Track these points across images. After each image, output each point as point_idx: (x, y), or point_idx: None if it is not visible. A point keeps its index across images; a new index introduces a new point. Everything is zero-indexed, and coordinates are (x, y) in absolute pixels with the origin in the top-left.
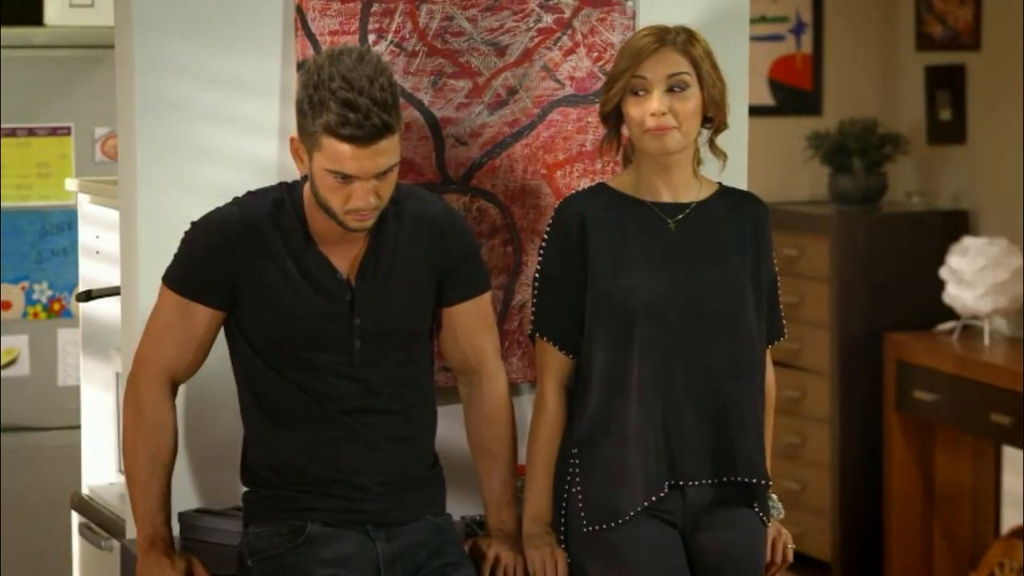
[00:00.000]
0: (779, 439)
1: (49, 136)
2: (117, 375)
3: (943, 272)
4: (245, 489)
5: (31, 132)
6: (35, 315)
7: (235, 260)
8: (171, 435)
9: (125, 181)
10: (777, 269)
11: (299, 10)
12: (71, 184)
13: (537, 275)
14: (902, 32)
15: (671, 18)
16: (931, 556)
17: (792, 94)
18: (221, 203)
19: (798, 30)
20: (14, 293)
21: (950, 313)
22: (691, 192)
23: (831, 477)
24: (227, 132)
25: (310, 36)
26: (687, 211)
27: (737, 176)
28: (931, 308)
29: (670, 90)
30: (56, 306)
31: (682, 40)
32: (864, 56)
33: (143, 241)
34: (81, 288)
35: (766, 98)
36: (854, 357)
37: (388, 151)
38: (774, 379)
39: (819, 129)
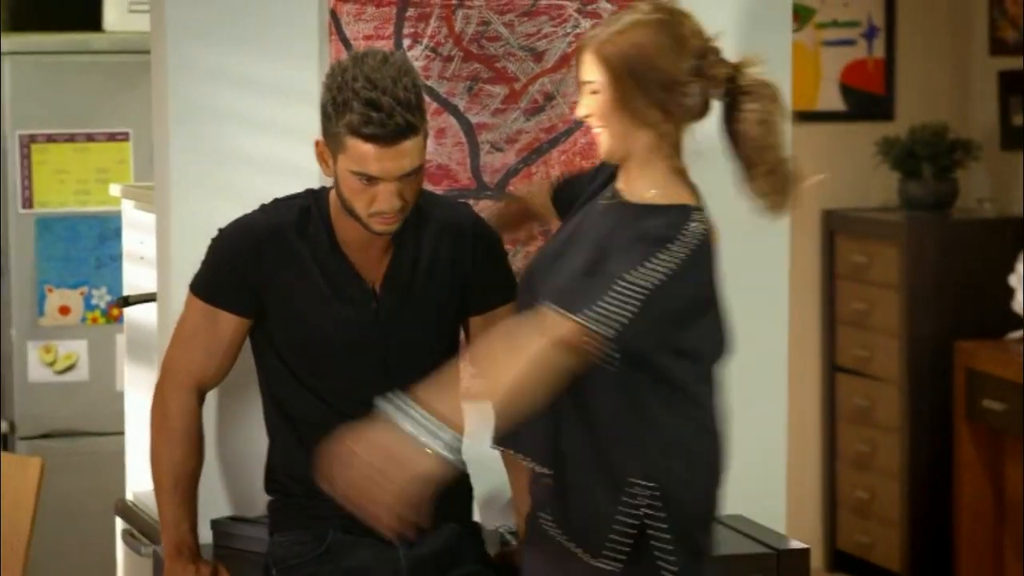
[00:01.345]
0: (849, 447)
1: (108, 141)
2: None
3: (1013, 280)
4: (270, 498)
5: (90, 137)
6: (94, 320)
7: (261, 268)
8: (196, 443)
9: (160, 187)
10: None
11: (333, 14)
12: (115, 190)
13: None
14: (975, 37)
15: (711, 21)
16: (1002, 566)
17: (864, 99)
18: (255, 208)
19: (870, 34)
20: (73, 298)
21: (1021, 321)
22: None
23: (900, 486)
24: (261, 137)
25: (344, 40)
26: None
27: None
28: (1001, 316)
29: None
30: (115, 311)
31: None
32: (937, 61)
33: (177, 247)
34: (123, 294)
35: (838, 103)
36: (924, 365)
37: (412, 152)
38: None
39: (891, 135)
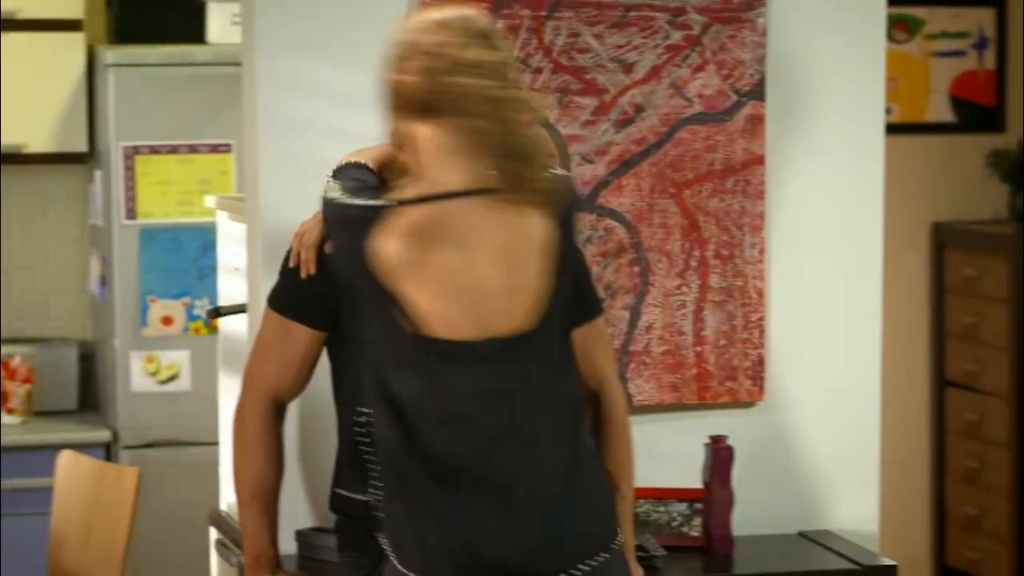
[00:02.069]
0: (958, 463)
1: (211, 153)
2: None
3: None
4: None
5: (193, 149)
6: (196, 330)
7: (334, 281)
8: (274, 456)
9: (250, 197)
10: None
11: None
12: (210, 201)
13: None
14: None
15: (803, 34)
16: None
17: (974, 111)
18: None
19: (980, 45)
20: (176, 309)
21: None
22: None
23: (1010, 502)
24: (348, 148)
25: None
26: None
27: (874, 194)
28: None
29: None
30: (216, 322)
31: None
32: None
33: (265, 258)
34: (217, 304)
35: (947, 115)
36: None
37: None
38: None
39: (1001, 146)
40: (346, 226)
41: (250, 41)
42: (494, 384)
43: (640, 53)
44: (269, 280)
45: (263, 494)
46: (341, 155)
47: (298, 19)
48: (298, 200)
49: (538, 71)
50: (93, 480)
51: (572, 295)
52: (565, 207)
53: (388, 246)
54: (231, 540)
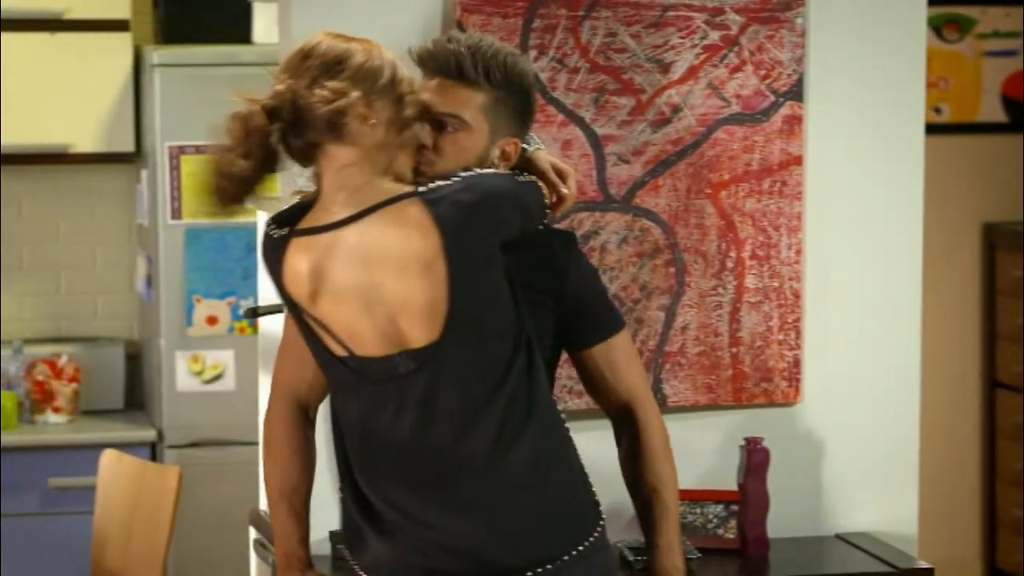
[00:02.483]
0: (1008, 465)
1: None
2: None
3: None
4: None
5: None
6: (241, 330)
7: None
8: (301, 457)
9: (283, 197)
10: None
11: (459, 25)
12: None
13: None
14: None
15: (842, 34)
16: None
17: None
18: None
19: None
20: (220, 308)
21: None
22: None
23: None
24: None
25: None
26: None
27: (914, 194)
28: None
29: None
30: (257, 321)
31: None
32: None
33: None
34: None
35: (999, 115)
36: None
37: (457, 99)
38: None
39: None
40: (265, 252)
41: (287, 42)
42: (416, 395)
43: (677, 53)
44: None
45: (291, 494)
46: None
47: (334, 20)
48: None
49: (575, 71)
50: (135, 479)
51: (575, 311)
52: (452, 211)
53: (295, 272)
54: (268, 540)
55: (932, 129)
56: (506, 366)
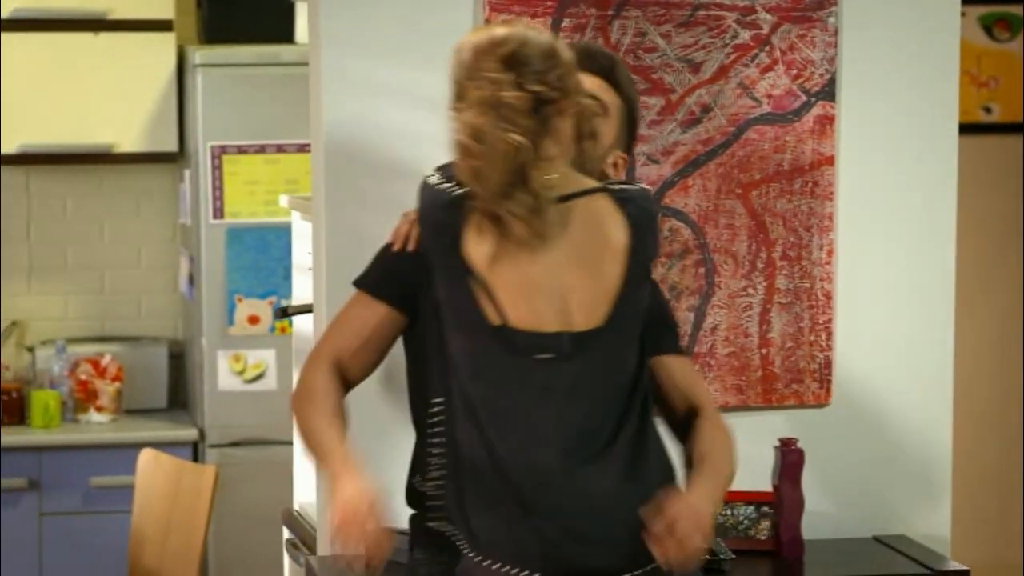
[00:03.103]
0: None
1: (298, 152)
2: None
3: None
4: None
5: (280, 149)
6: (282, 330)
7: (423, 267)
8: (334, 395)
9: (315, 197)
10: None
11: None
12: (284, 201)
13: None
14: None
15: (875, 33)
16: None
17: None
18: None
19: None
20: (262, 308)
21: None
22: None
23: None
24: (413, 148)
25: None
26: None
27: (947, 195)
28: None
29: None
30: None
31: None
32: None
33: (329, 257)
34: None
35: None
36: None
37: (606, 94)
38: None
39: None
40: (444, 208)
41: (316, 40)
42: (568, 379)
43: (708, 52)
44: (334, 279)
45: (327, 415)
46: (405, 154)
47: (363, 17)
48: (363, 200)
49: None
50: (172, 479)
51: (658, 319)
52: (641, 215)
53: (480, 234)
54: (300, 540)
55: (981, 128)
56: (637, 369)
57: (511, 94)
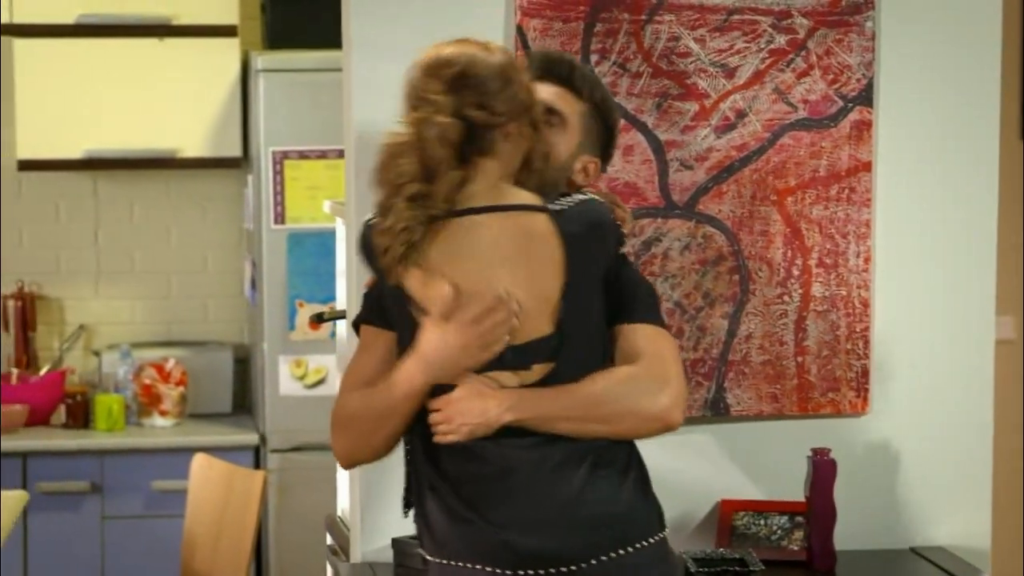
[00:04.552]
0: None
1: None
2: None
3: None
4: None
5: (341, 154)
6: None
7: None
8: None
9: (348, 204)
10: None
11: (520, 30)
12: (327, 207)
13: None
14: None
15: (914, 37)
16: None
17: None
18: None
19: None
20: None
21: None
22: None
23: None
24: None
25: None
26: None
27: (988, 201)
28: None
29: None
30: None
31: None
32: None
33: (356, 263)
34: (337, 308)
35: None
36: None
37: (563, 100)
38: None
39: None
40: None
41: (347, 47)
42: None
43: (743, 57)
44: (362, 285)
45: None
46: None
47: (394, 22)
48: None
49: (637, 75)
50: (224, 483)
51: (624, 296)
52: (578, 230)
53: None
54: (341, 546)
55: None
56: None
57: (443, 120)
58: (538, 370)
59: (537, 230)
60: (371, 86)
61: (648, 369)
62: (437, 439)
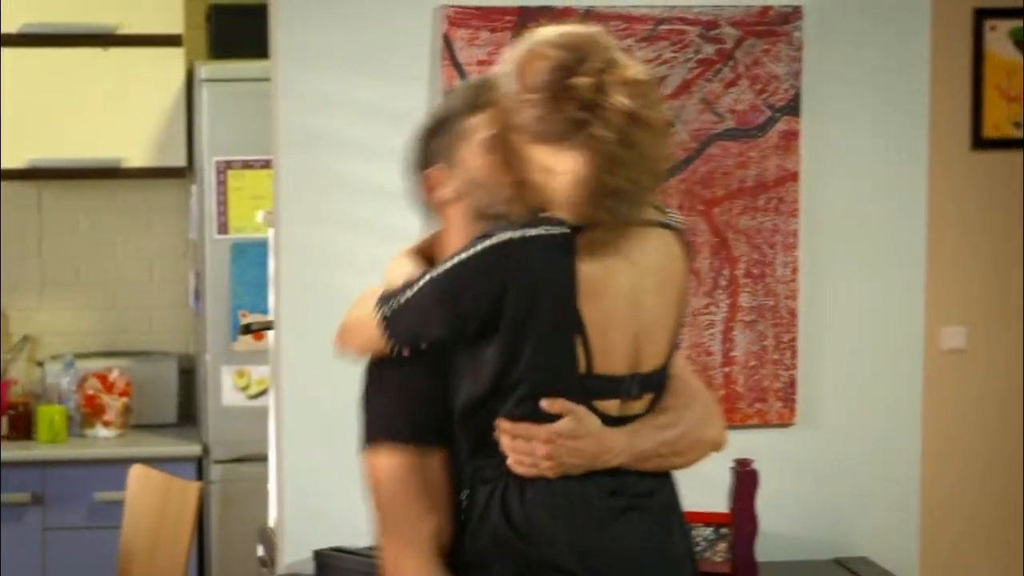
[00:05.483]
0: None
1: None
2: None
3: None
4: None
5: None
6: None
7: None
8: None
9: (275, 212)
10: None
11: (446, 40)
12: (260, 216)
13: None
14: None
15: (842, 47)
16: None
17: None
18: (362, 235)
19: None
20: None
21: None
22: None
23: None
24: (370, 163)
25: (457, 66)
26: None
27: (916, 211)
28: None
29: None
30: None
31: None
32: None
33: (286, 272)
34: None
35: None
36: None
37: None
38: None
39: None
40: (539, 254)
41: (274, 56)
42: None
43: (670, 67)
44: (290, 295)
45: None
46: (360, 170)
47: (320, 32)
48: (317, 214)
49: None
50: (161, 495)
51: None
52: (687, 243)
53: (586, 269)
54: (270, 557)
55: (1012, 144)
56: None
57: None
58: (646, 400)
59: (674, 252)
60: (298, 95)
61: (701, 396)
62: (522, 471)
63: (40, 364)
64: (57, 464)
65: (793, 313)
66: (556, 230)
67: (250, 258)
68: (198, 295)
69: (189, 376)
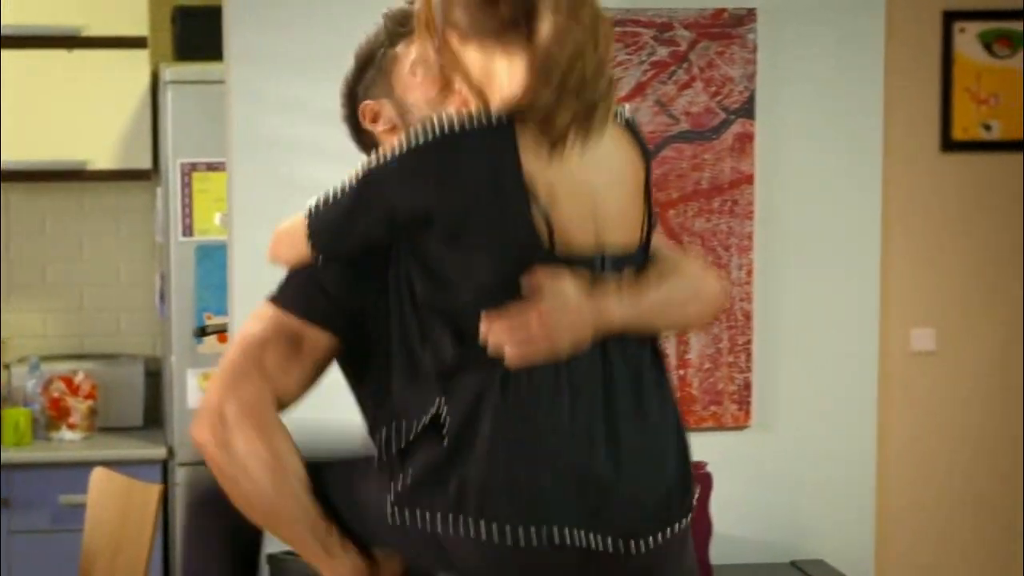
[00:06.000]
0: None
1: None
2: None
3: None
4: None
5: None
6: None
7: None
8: None
9: (229, 215)
10: None
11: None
12: (218, 219)
13: None
14: None
15: (796, 50)
16: None
17: None
18: None
19: None
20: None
21: None
22: None
23: None
24: (322, 165)
25: None
26: None
27: (870, 213)
28: None
29: None
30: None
31: None
32: None
33: (239, 275)
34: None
35: None
36: None
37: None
38: None
39: None
40: (479, 147)
41: (228, 58)
42: None
43: (624, 69)
44: (243, 297)
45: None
46: (315, 172)
47: (273, 34)
48: (270, 217)
49: None
50: (123, 497)
51: None
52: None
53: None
54: None
55: (981, 147)
56: None
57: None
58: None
59: (629, 150)
60: (251, 99)
61: (688, 258)
62: (516, 363)
63: (6, 367)
64: (22, 467)
65: (748, 316)
66: (496, 121)
67: (215, 260)
68: (163, 297)
69: (155, 379)
